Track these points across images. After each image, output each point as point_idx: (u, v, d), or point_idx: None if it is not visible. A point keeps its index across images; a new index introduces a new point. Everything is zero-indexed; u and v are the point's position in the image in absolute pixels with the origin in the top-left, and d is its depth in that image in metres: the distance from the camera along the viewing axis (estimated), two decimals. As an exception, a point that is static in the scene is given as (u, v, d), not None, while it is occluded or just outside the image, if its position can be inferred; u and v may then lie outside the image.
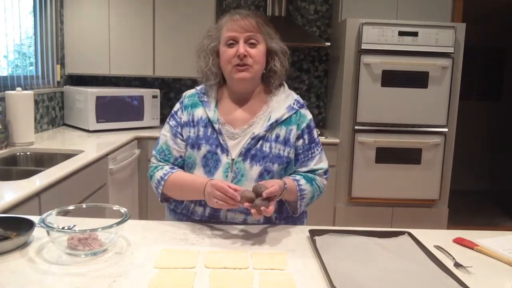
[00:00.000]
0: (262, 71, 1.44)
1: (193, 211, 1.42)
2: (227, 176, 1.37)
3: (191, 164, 1.42)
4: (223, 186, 1.23)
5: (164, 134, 1.49)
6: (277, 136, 1.41)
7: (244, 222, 1.39)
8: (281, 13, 3.59)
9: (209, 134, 1.41)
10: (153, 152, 1.50)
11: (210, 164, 1.39)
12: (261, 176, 1.38)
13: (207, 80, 1.46)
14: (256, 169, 1.37)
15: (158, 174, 1.43)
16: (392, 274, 1.06)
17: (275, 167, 1.39)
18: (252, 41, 1.38)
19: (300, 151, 1.46)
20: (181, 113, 1.48)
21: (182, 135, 1.46)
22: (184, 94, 1.53)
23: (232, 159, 1.38)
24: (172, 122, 1.48)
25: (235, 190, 1.23)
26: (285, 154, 1.41)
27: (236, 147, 1.40)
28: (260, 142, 1.40)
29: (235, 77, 1.39)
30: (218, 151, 1.39)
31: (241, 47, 1.36)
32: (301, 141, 1.45)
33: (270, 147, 1.40)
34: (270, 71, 1.45)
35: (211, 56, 1.43)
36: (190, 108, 1.46)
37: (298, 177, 1.43)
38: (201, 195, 1.32)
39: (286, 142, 1.42)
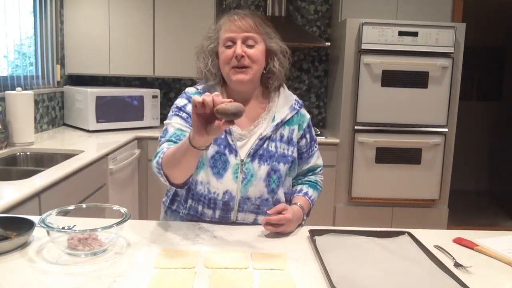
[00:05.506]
0: (261, 72, 1.42)
1: (202, 213, 1.40)
2: (237, 177, 1.37)
3: (199, 164, 1.38)
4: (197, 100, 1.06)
5: (174, 123, 1.38)
6: (282, 136, 1.43)
7: (255, 222, 1.39)
8: (281, 13, 3.59)
9: None
10: (163, 139, 1.37)
11: (218, 165, 1.37)
12: (268, 176, 1.39)
13: (207, 80, 1.44)
14: (264, 169, 1.38)
15: (155, 160, 1.29)
16: (392, 274, 1.06)
17: (281, 166, 1.41)
18: (250, 41, 1.36)
19: (304, 150, 1.51)
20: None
21: None
22: (186, 90, 1.47)
23: (241, 160, 1.38)
24: (183, 115, 1.40)
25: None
26: (289, 153, 1.44)
27: (243, 148, 1.39)
28: (267, 142, 1.41)
29: (233, 79, 1.37)
30: (226, 151, 1.37)
31: (239, 48, 1.34)
32: (304, 140, 1.50)
33: (276, 147, 1.41)
34: (269, 72, 1.43)
35: (210, 57, 1.42)
36: None
37: (304, 188, 1.51)
38: (189, 145, 1.13)
39: (289, 141, 1.44)
